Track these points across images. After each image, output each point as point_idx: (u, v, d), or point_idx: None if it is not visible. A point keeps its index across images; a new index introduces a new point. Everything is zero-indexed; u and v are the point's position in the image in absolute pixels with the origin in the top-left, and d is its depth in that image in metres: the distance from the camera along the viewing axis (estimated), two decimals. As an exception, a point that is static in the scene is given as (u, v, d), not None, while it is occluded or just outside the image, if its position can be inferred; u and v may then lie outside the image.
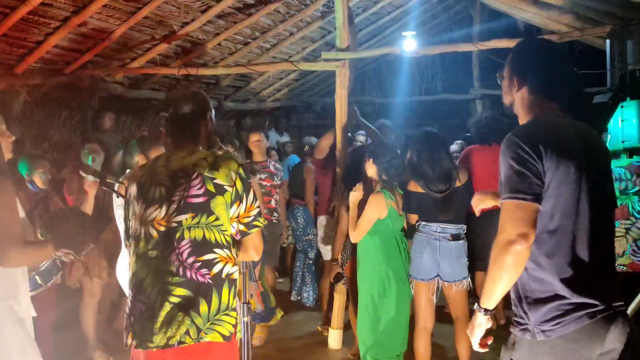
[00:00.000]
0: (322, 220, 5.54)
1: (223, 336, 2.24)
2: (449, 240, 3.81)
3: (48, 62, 5.81)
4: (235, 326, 2.29)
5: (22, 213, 2.61)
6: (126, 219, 2.44)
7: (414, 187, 3.91)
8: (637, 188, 3.98)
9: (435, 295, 3.90)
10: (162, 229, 2.25)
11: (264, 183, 5.24)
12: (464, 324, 3.82)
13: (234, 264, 2.30)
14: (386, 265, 3.86)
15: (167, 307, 2.20)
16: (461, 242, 3.87)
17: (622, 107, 4.39)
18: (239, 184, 2.29)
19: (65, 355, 4.47)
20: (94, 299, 4.63)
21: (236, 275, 2.31)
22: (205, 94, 2.62)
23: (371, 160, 3.97)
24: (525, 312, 1.96)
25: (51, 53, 5.62)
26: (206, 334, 2.21)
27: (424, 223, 3.90)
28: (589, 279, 1.92)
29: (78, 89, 6.47)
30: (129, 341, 2.26)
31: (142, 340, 2.22)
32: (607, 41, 5.07)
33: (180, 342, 2.18)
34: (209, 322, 2.22)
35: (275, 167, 5.41)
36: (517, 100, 2.15)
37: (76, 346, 4.68)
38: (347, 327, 5.07)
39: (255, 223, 2.36)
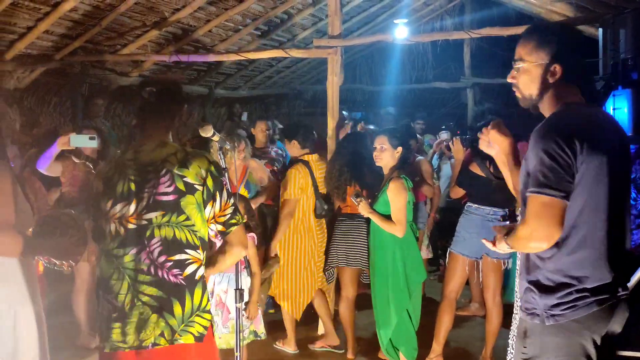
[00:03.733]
0: None
1: (195, 337, 2.20)
2: (500, 221, 3.97)
3: (38, 48, 5.76)
4: (208, 328, 2.25)
5: (25, 202, 2.57)
6: (92, 218, 2.34)
7: (475, 168, 4.10)
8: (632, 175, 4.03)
9: (475, 272, 4.25)
10: (132, 226, 2.19)
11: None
12: (493, 307, 4.16)
13: (201, 265, 2.24)
14: (402, 253, 3.85)
15: (139, 307, 2.16)
16: (507, 222, 3.99)
17: (614, 95, 4.43)
18: (209, 182, 2.21)
19: (58, 341, 4.47)
20: (85, 284, 4.62)
21: (204, 276, 2.26)
22: (181, 86, 2.53)
23: (400, 148, 3.92)
24: (534, 298, 1.98)
25: (41, 39, 5.57)
26: (180, 335, 2.18)
27: (475, 205, 4.16)
28: (603, 268, 1.93)
29: (68, 76, 6.43)
30: (100, 343, 2.22)
31: (112, 341, 2.17)
32: (600, 30, 5.09)
33: (154, 344, 2.16)
34: (183, 324, 2.18)
35: (276, 153, 5.51)
36: (549, 87, 2.01)
37: (68, 332, 4.68)
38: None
39: (233, 221, 2.29)
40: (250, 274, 3.39)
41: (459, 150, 4.28)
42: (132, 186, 2.21)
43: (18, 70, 5.81)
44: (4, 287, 2.43)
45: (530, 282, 2.01)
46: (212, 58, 6.32)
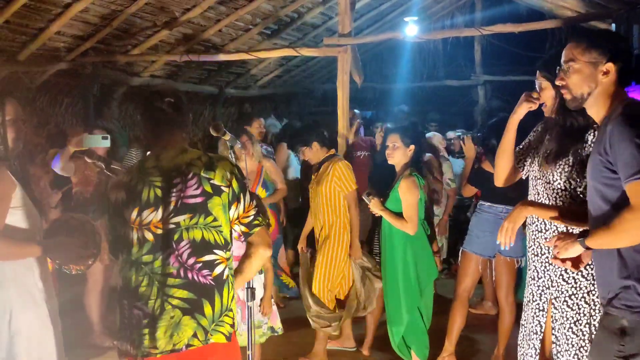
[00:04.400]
0: None
1: (225, 336, 2.23)
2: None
3: (50, 49, 5.80)
4: (232, 326, 2.28)
5: (24, 202, 2.59)
6: (111, 229, 2.32)
7: (487, 166, 4.05)
8: None
9: (488, 271, 4.25)
10: (159, 231, 2.20)
11: None
12: (505, 305, 4.15)
13: (229, 267, 2.27)
14: (413, 252, 3.84)
15: (170, 310, 2.17)
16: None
17: (627, 92, 4.38)
18: (235, 184, 2.26)
19: (72, 340, 4.50)
20: (97, 283, 4.66)
21: (230, 278, 2.28)
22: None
23: (413, 146, 3.90)
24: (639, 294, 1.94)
25: (53, 40, 5.61)
26: (212, 335, 2.20)
27: (488, 204, 4.13)
28: None
29: (80, 76, 6.46)
30: (129, 351, 2.21)
31: (143, 348, 2.17)
32: (613, 25, 5.05)
33: (188, 345, 2.17)
34: (214, 324, 2.21)
35: (267, 151, 5.51)
36: (602, 87, 2.08)
37: (81, 332, 4.72)
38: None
39: (256, 222, 2.33)
40: (264, 271, 3.41)
41: (470, 149, 4.26)
42: (158, 192, 2.22)
43: (30, 71, 5.85)
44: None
45: (632, 278, 1.96)
46: (222, 58, 6.33)
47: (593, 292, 2.59)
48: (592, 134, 2.58)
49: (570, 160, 2.62)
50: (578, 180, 2.61)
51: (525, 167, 2.92)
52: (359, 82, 5.07)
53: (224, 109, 9.19)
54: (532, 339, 2.86)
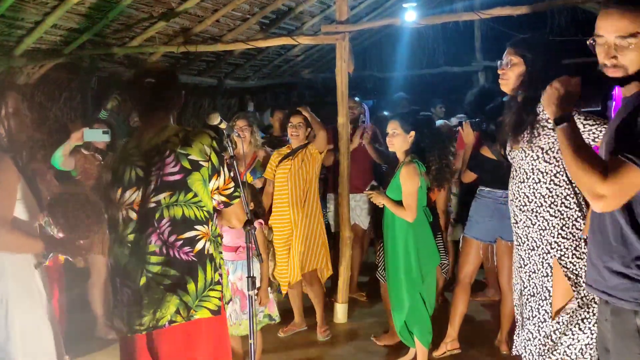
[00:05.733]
0: (330, 196, 5.72)
1: (212, 311, 2.25)
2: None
3: (47, 43, 5.77)
4: (221, 299, 2.30)
5: (25, 195, 2.58)
6: (105, 211, 2.39)
7: (485, 151, 4.04)
8: None
9: (490, 256, 4.26)
10: (142, 210, 2.23)
11: None
12: (507, 290, 4.08)
13: (209, 239, 2.29)
14: (414, 238, 3.83)
15: (153, 287, 2.19)
16: None
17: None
18: (214, 157, 2.27)
19: (76, 333, 4.52)
20: (101, 277, 4.67)
21: (211, 250, 2.30)
22: (176, 72, 2.59)
23: (413, 132, 3.88)
24: None
25: (49, 34, 5.58)
26: (196, 311, 2.22)
27: (487, 189, 4.14)
28: None
29: (77, 70, 6.44)
30: (121, 328, 2.25)
31: (130, 325, 2.21)
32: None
33: (171, 322, 2.19)
34: (198, 300, 2.22)
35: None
36: None
37: (86, 324, 4.74)
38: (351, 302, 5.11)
39: (236, 194, 2.38)
40: (260, 261, 3.41)
41: (468, 134, 4.23)
42: (139, 172, 2.25)
43: (28, 66, 5.83)
44: None
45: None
46: (220, 48, 6.29)
47: None
48: (539, 105, 2.79)
49: (529, 130, 2.88)
50: (542, 149, 2.85)
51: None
52: (351, 72, 5.03)
53: (223, 100, 9.17)
54: (539, 304, 2.92)
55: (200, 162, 2.24)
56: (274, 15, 7.47)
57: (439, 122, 6.01)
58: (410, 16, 5.32)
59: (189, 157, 2.23)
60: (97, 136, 4.30)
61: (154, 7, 5.92)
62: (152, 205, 2.22)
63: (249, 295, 2.65)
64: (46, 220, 2.64)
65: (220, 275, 2.34)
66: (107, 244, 4.56)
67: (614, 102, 4.37)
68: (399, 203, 3.81)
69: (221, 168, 2.30)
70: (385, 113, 6.84)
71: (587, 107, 2.64)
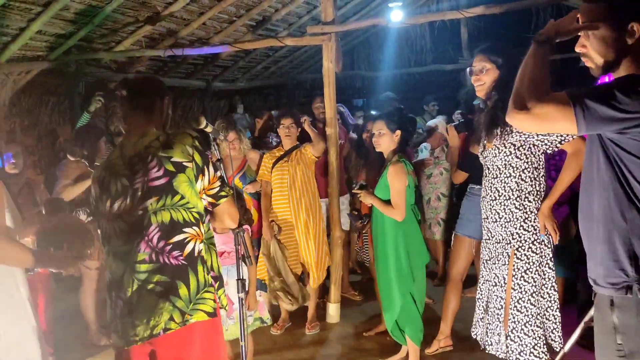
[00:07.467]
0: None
1: (208, 313, 2.23)
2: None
3: (32, 49, 5.75)
4: (215, 300, 2.28)
5: (10, 204, 2.57)
6: (98, 225, 2.37)
7: (475, 149, 3.95)
8: None
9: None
10: (131, 219, 2.21)
11: None
12: None
13: (201, 241, 2.27)
14: (404, 237, 3.84)
15: (145, 296, 2.17)
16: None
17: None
18: (197, 157, 2.25)
19: (68, 341, 4.51)
20: (92, 283, 4.66)
21: (203, 252, 2.28)
22: (161, 80, 2.56)
23: (399, 131, 3.89)
24: (632, 267, 1.76)
25: (35, 40, 5.56)
26: (191, 315, 2.19)
27: (478, 187, 4.03)
28: None
29: (64, 75, 6.42)
30: (116, 342, 2.23)
31: (126, 337, 2.18)
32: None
33: (165, 329, 2.16)
34: (192, 304, 2.20)
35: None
36: (627, 53, 1.81)
37: (78, 332, 4.72)
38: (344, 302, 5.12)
39: (222, 193, 2.34)
40: (249, 264, 3.41)
41: (453, 137, 4.25)
42: (125, 181, 2.24)
43: (14, 73, 5.80)
44: None
45: (625, 253, 1.80)
46: (206, 50, 6.30)
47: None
48: None
49: (502, 128, 3.06)
50: (514, 145, 3.05)
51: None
52: (339, 71, 5.04)
53: (212, 103, 9.16)
54: (496, 292, 3.20)
55: (184, 163, 2.22)
56: (261, 17, 7.47)
57: (434, 121, 6.04)
58: (396, 16, 5.34)
59: (172, 159, 2.21)
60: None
61: (139, 11, 5.91)
62: (140, 212, 2.20)
63: (239, 297, 2.66)
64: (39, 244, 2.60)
65: (214, 278, 2.32)
66: (99, 250, 4.57)
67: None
68: (387, 202, 3.82)
69: (205, 167, 2.27)
70: (373, 112, 6.86)
71: None
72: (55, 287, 4.31)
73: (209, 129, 2.66)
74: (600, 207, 1.85)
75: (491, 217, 3.22)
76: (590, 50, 1.87)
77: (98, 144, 4.42)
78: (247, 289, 3.06)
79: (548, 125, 1.82)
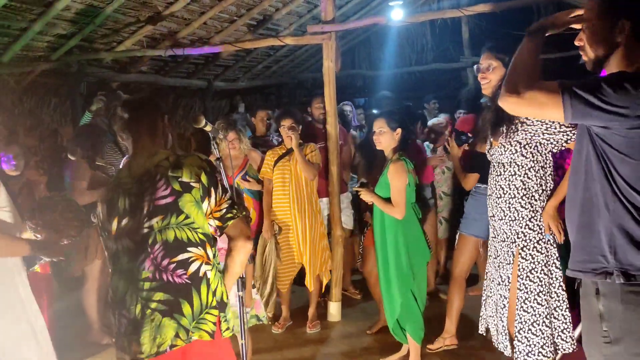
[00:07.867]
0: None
1: (208, 334, 2.23)
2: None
3: (34, 49, 5.77)
4: (216, 324, 2.27)
5: (9, 203, 2.59)
6: (105, 245, 2.36)
7: (481, 148, 3.95)
8: None
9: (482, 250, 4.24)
10: (137, 238, 2.22)
11: None
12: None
13: (208, 263, 2.26)
14: (404, 235, 3.84)
15: (150, 314, 2.18)
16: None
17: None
18: (204, 178, 2.25)
19: (70, 339, 4.52)
20: (95, 282, 4.67)
21: (210, 275, 2.26)
22: (155, 98, 2.56)
23: (400, 129, 3.90)
24: (612, 254, 1.84)
25: (36, 40, 5.58)
26: (193, 332, 2.20)
27: (484, 186, 3.97)
28: None
29: (66, 75, 6.44)
30: (121, 358, 2.24)
31: (132, 354, 2.20)
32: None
33: (172, 346, 2.18)
34: (195, 322, 2.21)
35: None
36: (622, 48, 1.88)
37: (80, 332, 4.74)
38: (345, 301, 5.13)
39: (229, 215, 2.31)
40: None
41: (454, 147, 4.24)
42: (132, 199, 2.25)
43: (15, 73, 5.83)
44: None
45: (606, 240, 1.88)
46: (207, 50, 6.31)
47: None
48: None
49: (507, 126, 3.07)
50: (520, 143, 3.05)
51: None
52: (337, 70, 5.05)
53: (214, 102, 9.17)
54: (500, 291, 3.20)
55: (191, 184, 2.23)
56: (261, 16, 7.48)
57: (437, 119, 6.03)
58: (396, 14, 5.34)
59: (180, 179, 2.22)
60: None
61: (140, 11, 5.93)
62: (146, 230, 2.21)
63: (238, 295, 2.67)
64: (30, 225, 2.65)
65: (219, 302, 2.29)
66: (101, 247, 4.58)
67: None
68: (388, 200, 3.83)
69: (212, 188, 2.27)
70: (375, 111, 6.88)
71: None
72: (56, 287, 4.33)
73: (208, 128, 2.67)
74: (586, 198, 1.94)
75: (497, 215, 3.22)
76: (586, 44, 1.98)
77: (99, 143, 4.44)
78: (246, 287, 3.06)
79: (537, 111, 1.92)
